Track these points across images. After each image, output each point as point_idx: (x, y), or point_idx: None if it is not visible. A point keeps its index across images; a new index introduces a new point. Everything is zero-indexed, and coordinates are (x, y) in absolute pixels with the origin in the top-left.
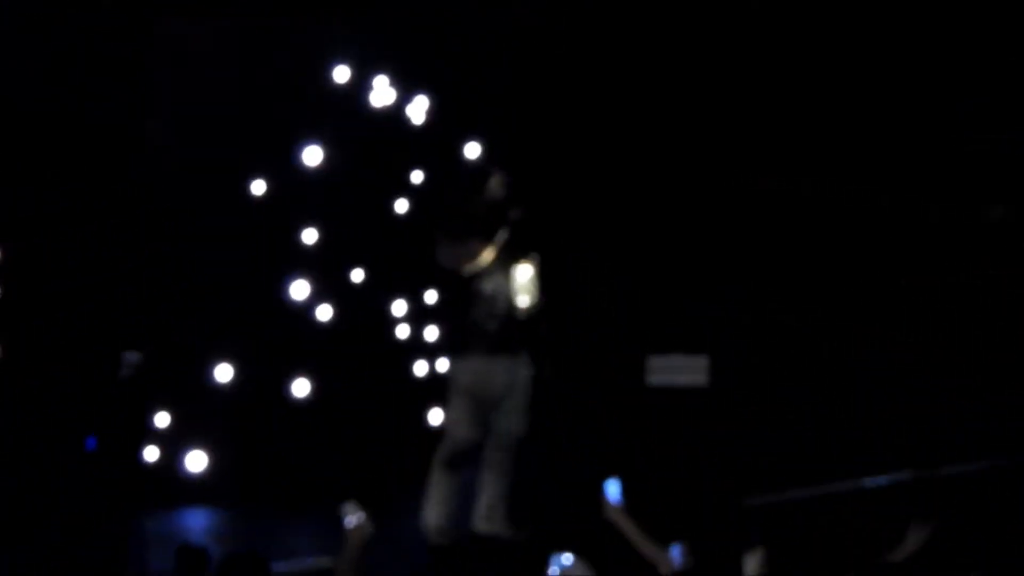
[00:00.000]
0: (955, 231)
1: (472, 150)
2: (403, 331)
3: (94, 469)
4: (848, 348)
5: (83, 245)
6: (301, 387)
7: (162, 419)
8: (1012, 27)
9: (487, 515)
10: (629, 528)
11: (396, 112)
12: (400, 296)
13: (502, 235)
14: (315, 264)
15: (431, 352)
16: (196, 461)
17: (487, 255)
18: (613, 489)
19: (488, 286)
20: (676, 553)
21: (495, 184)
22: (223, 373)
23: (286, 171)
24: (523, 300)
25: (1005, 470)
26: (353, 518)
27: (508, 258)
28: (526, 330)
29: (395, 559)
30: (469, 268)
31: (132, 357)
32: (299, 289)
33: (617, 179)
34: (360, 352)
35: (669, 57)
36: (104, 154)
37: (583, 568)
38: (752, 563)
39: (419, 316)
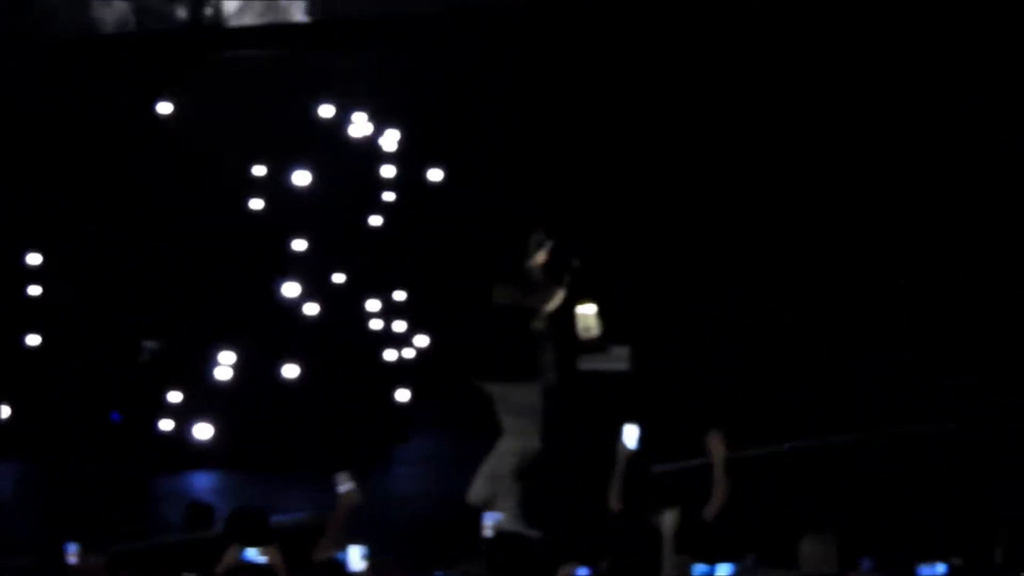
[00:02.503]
0: (955, 231)
1: (435, 175)
2: (376, 324)
3: (118, 438)
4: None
5: (111, 251)
6: (291, 371)
7: (174, 396)
8: (1012, 27)
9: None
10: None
11: (371, 142)
12: (374, 295)
13: (567, 279)
14: (303, 268)
15: (399, 342)
16: (203, 431)
17: (559, 297)
18: (631, 435)
19: (546, 323)
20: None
21: (538, 238)
22: (226, 358)
23: (280, 191)
24: (593, 332)
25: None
26: (344, 485)
27: (570, 300)
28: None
29: (374, 519)
30: (546, 308)
31: (150, 345)
32: (290, 289)
33: (616, 180)
34: (340, 342)
35: (669, 58)
36: (133, 170)
37: (516, 524)
38: (668, 521)
39: (389, 312)
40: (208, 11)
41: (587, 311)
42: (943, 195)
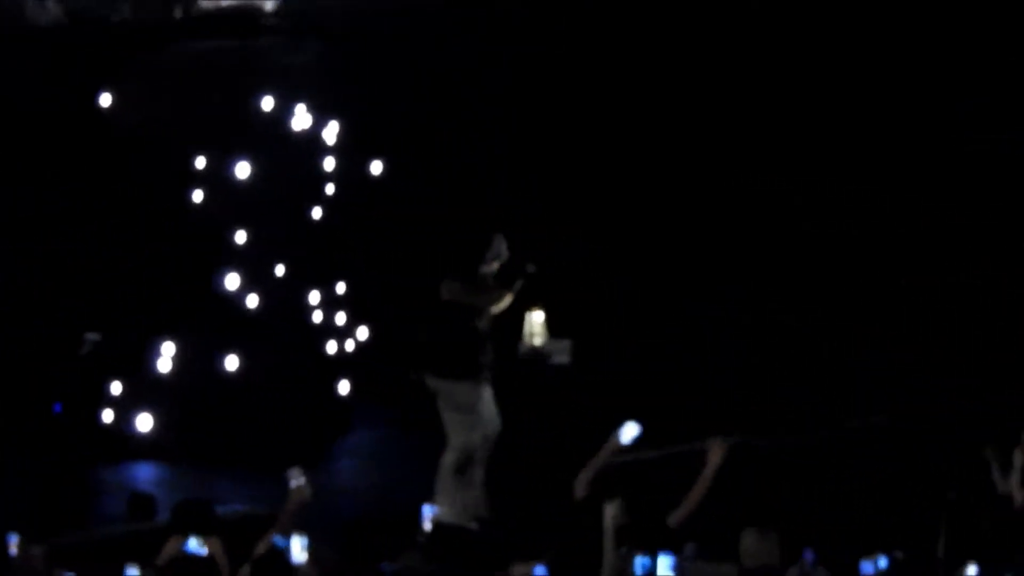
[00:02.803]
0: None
1: (376, 167)
2: (317, 316)
3: (59, 429)
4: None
5: (52, 243)
6: (232, 362)
7: (116, 387)
8: (1012, 27)
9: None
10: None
11: (312, 135)
12: (315, 287)
13: (518, 285)
14: (244, 260)
15: (340, 334)
16: (144, 422)
17: (506, 300)
18: (629, 433)
19: (491, 324)
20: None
21: (498, 243)
22: (167, 350)
23: (220, 183)
24: (538, 340)
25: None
26: (296, 480)
27: (521, 303)
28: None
29: (315, 511)
30: (492, 310)
31: (91, 336)
32: (231, 281)
33: (616, 179)
34: (281, 333)
35: (669, 58)
36: (73, 162)
37: (456, 517)
38: (610, 513)
39: (330, 304)
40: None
41: (536, 318)
42: (943, 196)
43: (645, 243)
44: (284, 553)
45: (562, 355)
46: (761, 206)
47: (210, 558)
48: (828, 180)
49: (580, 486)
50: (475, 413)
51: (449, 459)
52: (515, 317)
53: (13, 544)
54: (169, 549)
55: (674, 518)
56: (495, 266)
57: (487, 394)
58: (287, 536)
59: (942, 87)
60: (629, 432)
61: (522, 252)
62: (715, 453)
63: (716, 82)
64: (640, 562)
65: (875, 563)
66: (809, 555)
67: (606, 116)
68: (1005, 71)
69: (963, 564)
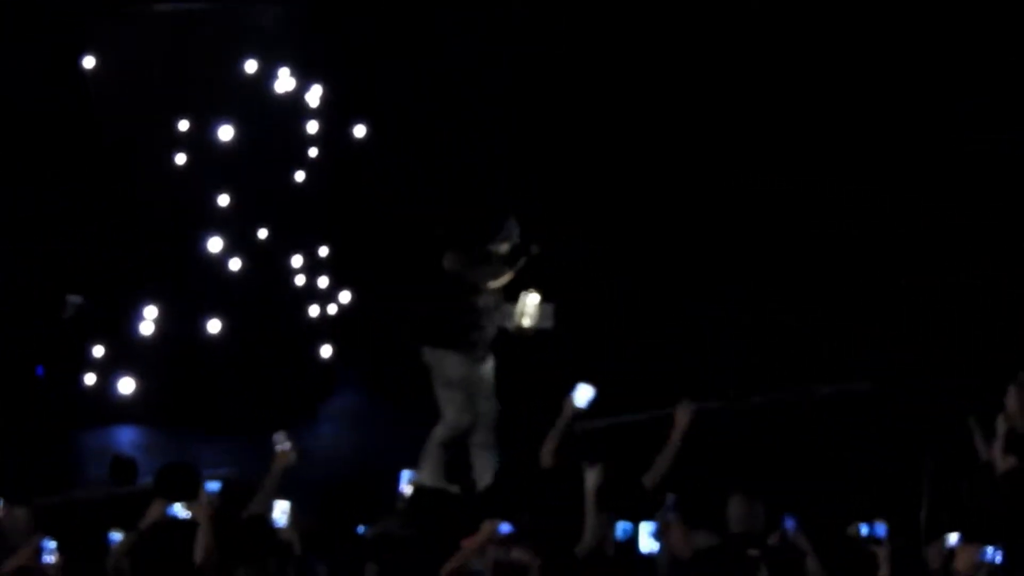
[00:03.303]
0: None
1: (359, 131)
2: (300, 280)
3: (42, 392)
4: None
5: (35, 207)
6: (214, 325)
7: (98, 351)
8: (1012, 27)
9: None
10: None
11: (295, 98)
12: (298, 251)
13: (521, 264)
14: (227, 223)
15: (323, 298)
16: (126, 386)
17: (505, 278)
18: (583, 396)
19: (492, 301)
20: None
21: (511, 224)
22: (149, 313)
23: (203, 146)
24: (527, 321)
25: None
26: (281, 444)
27: (519, 283)
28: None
29: (297, 475)
30: (491, 285)
31: (74, 300)
32: (214, 244)
33: (615, 179)
34: (264, 297)
35: (669, 58)
36: (57, 125)
37: (434, 479)
38: (591, 479)
39: (313, 268)
40: None
41: (532, 299)
42: (943, 195)
43: (645, 242)
44: (265, 518)
45: (546, 320)
46: (761, 206)
47: (193, 522)
48: (826, 177)
49: (546, 456)
50: (466, 391)
51: (439, 433)
52: (512, 295)
53: None
54: (153, 513)
55: (647, 480)
56: (505, 247)
57: (484, 373)
58: (271, 500)
59: (942, 87)
60: (583, 394)
61: (529, 234)
62: (682, 415)
63: (716, 82)
64: (622, 527)
65: (861, 529)
66: (790, 522)
67: (605, 115)
68: (1005, 71)
69: (945, 532)
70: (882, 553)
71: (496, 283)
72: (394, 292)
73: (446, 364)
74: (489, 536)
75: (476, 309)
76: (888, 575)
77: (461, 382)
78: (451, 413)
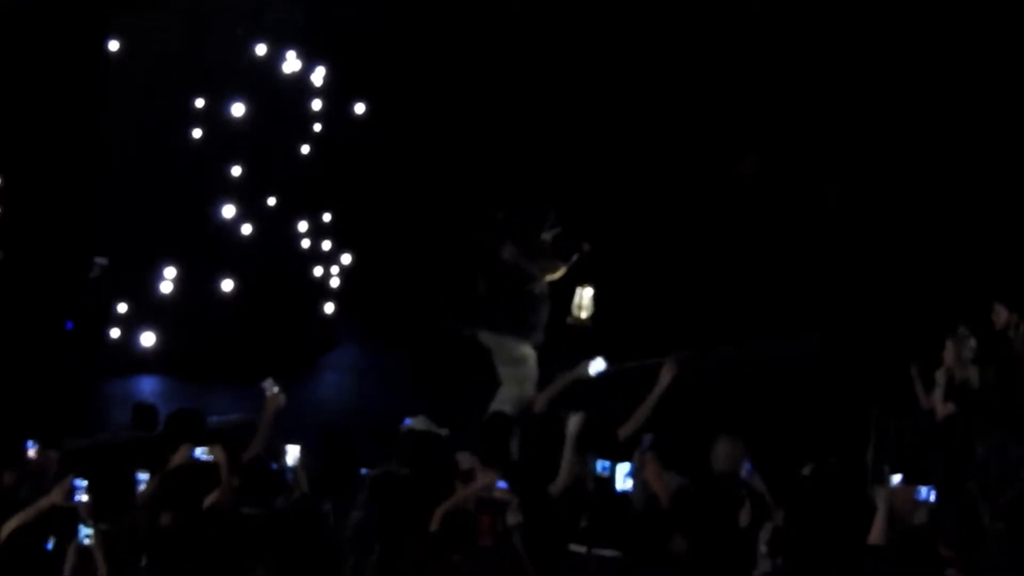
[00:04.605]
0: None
1: (359, 108)
2: (305, 243)
3: (71, 344)
4: None
5: (67, 177)
6: (227, 285)
7: (122, 307)
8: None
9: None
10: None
11: (301, 78)
12: (303, 217)
13: (574, 259)
14: (239, 192)
15: (326, 260)
16: (147, 339)
17: (560, 272)
18: (596, 367)
19: (545, 288)
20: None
21: (554, 214)
22: (169, 274)
23: (218, 122)
24: (584, 313)
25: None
26: (271, 389)
27: (571, 278)
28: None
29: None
30: (546, 277)
31: (100, 261)
32: (227, 211)
33: (615, 178)
34: (272, 259)
35: (669, 57)
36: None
37: (427, 423)
38: (573, 424)
39: (317, 232)
40: None
41: (587, 292)
42: (888, 155)
43: (645, 242)
44: (262, 458)
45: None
46: (762, 205)
47: (214, 464)
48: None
49: (540, 403)
50: (526, 367)
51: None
52: (565, 288)
53: (32, 450)
54: (179, 457)
55: (623, 431)
56: (551, 236)
57: (528, 353)
58: (267, 442)
59: (942, 87)
60: (596, 366)
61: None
62: (666, 374)
63: (716, 81)
64: (601, 465)
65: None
66: (747, 465)
67: (606, 115)
68: (1005, 71)
69: (889, 472)
70: (880, 496)
71: (552, 276)
72: (392, 255)
73: (507, 344)
74: (486, 486)
75: (533, 295)
76: (884, 517)
77: (524, 360)
78: (514, 390)
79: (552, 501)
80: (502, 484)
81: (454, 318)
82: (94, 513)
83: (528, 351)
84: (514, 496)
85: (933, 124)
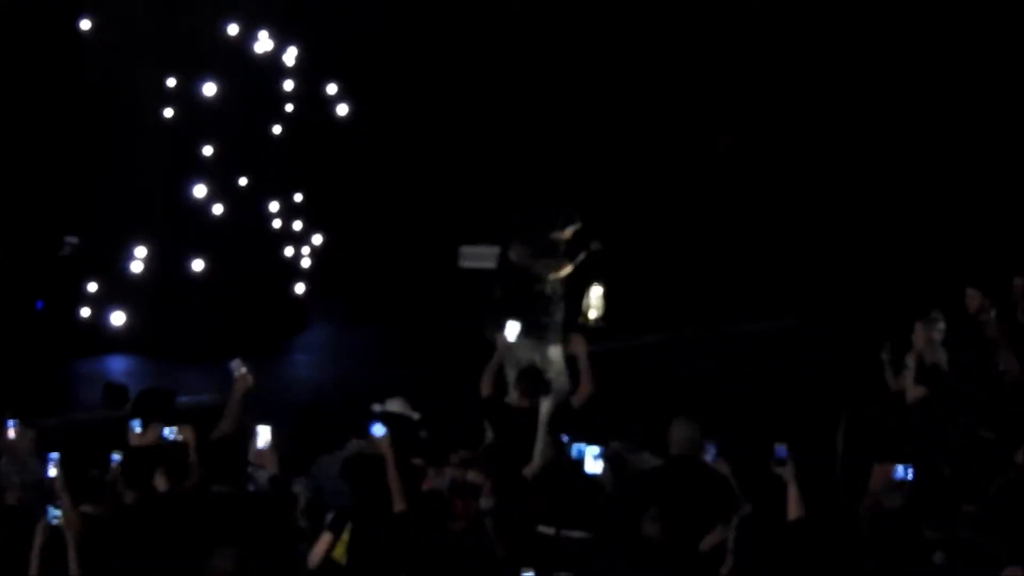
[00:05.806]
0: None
1: (331, 89)
2: (276, 223)
3: (42, 324)
4: None
5: (39, 156)
6: (198, 264)
7: (92, 286)
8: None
9: None
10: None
11: (273, 58)
12: (274, 197)
13: (580, 258)
14: (211, 171)
15: (297, 240)
16: (118, 318)
17: (566, 270)
18: (512, 331)
19: (558, 288)
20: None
21: (572, 212)
22: (140, 252)
23: (189, 101)
24: (593, 312)
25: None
26: (239, 369)
27: (579, 276)
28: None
29: (267, 398)
30: (553, 276)
31: (71, 240)
32: (199, 190)
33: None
34: (244, 239)
35: (669, 57)
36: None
37: (402, 406)
38: (545, 407)
39: (289, 213)
40: None
41: (596, 291)
42: (864, 140)
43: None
44: (231, 437)
45: (490, 260)
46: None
47: (183, 443)
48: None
49: (484, 386)
50: (551, 373)
51: None
52: (574, 287)
53: (11, 428)
54: (149, 436)
55: (574, 401)
56: (568, 233)
57: (553, 355)
58: (236, 421)
59: (917, 76)
60: (512, 330)
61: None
62: (576, 344)
63: (716, 81)
64: (576, 448)
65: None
66: (711, 448)
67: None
68: (979, 61)
69: (860, 454)
70: (786, 473)
71: (558, 274)
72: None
73: (517, 348)
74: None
75: (544, 296)
76: (795, 492)
77: (549, 366)
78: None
79: (526, 484)
80: None
81: (454, 318)
82: (70, 493)
83: (539, 354)
84: (487, 479)
85: (906, 112)
